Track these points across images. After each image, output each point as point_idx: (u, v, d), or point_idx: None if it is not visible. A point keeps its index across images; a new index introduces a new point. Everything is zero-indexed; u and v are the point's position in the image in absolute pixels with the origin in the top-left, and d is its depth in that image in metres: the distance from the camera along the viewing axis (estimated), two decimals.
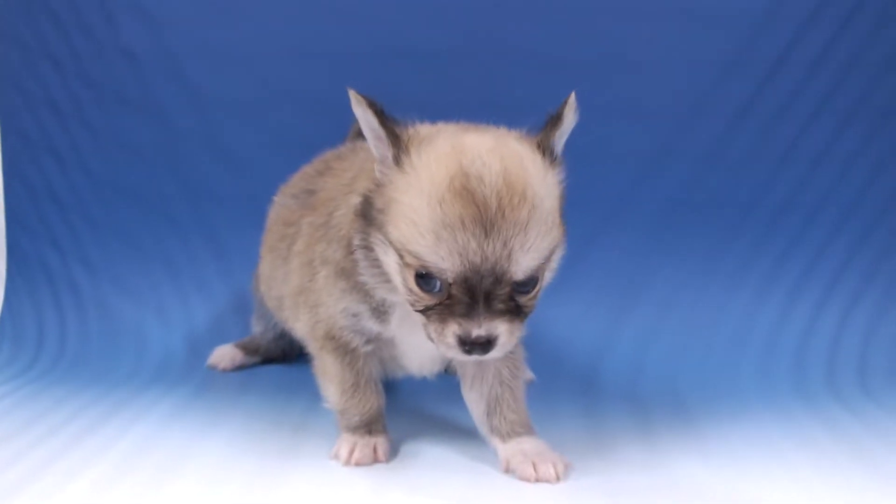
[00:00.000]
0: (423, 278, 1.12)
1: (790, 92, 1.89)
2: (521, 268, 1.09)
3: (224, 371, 1.78)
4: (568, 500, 1.16)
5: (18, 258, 2.01)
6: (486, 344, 1.11)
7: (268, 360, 1.84)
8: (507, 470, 1.25)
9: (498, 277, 1.09)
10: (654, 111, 1.91)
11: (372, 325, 1.29)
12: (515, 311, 1.12)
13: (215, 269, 1.95)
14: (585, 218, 1.87)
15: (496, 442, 1.29)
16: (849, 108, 1.89)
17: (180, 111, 1.97)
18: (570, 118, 1.16)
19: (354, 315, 1.29)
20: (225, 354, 1.81)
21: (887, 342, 1.81)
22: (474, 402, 1.32)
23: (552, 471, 1.22)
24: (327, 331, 1.32)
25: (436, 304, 1.12)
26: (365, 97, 1.16)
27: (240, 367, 1.80)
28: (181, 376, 1.74)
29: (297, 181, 1.57)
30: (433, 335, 1.14)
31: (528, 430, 1.29)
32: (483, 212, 1.07)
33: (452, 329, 1.11)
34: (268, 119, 1.95)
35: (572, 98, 1.16)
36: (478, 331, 1.10)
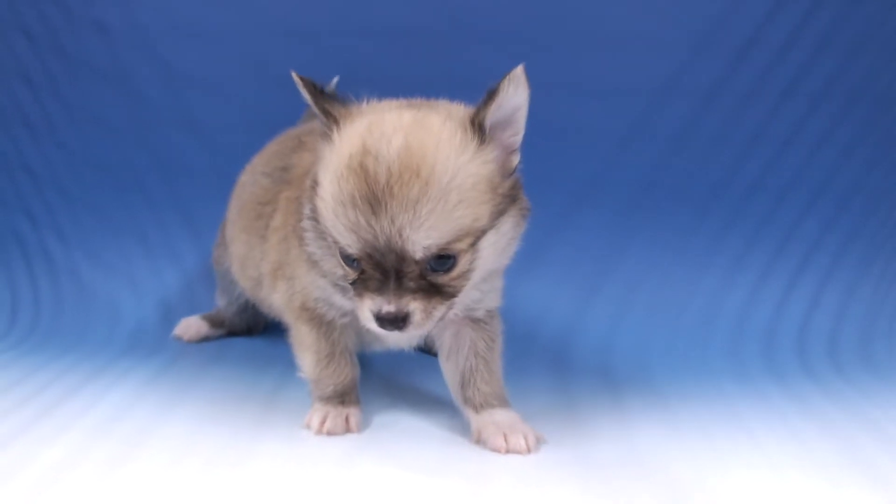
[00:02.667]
0: (342, 252, 1.14)
1: (760, 73, 1.90)
2: (416, 246, 1.09)
3: (189, 342, 1.78)
4: (538, 472, 1.17)
5: None
6: (398, 320, 1.12)
7: (232, 332, 1.85)
8: (479, 441, 1.26)
9: (398, 255, 1.09)
10: (625, 91, 1.91)
11: (341, 301, 1.30)
12: (431, 290, 1.13)
13: (187, 241, 1.95)
14: (556, 197, 1.89)
15: (469, 413, 1.29)
16: (819, 89, 1.89)
17: (153, 85, 1.97)
18: (509, 91, 1.12)
19: (322, 288, 1.30)
20: (190, 325, 1.81)
21: (857, 321, 1.82)
22: (450, 373, 1.33)
23: (523, 442, 1.23)
24: (303, 302, 1.33)
25: (356, 279, 1.14)
26: (304, 78, 1.18)
27: (205, 339, 1.80)
28: (153, 347, 1.75)
29: (268, 159, 1.57)
30: (356, 308, 1.16)
31: (502, 402, 1.30)
32: (371, 188, 1.08)
33: (367, 303, 1.13)
34: (239, 94, 1.95)
35: (516, 71, 1.12)
36: (387, 307, 1.11)
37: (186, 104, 1.97)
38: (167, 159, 1.98)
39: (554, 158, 1.88)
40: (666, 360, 1.70)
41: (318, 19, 1.92)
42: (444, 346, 1.34)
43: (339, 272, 1.22)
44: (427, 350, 1.64)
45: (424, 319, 1.13)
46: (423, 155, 1.09)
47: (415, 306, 1.12)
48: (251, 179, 1.58)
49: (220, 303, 1.84)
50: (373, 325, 1.14)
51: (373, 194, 1.07)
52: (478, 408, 1.29)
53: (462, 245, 1.12)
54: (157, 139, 1.98)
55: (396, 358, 1.21)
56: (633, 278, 1.90)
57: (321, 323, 1.33)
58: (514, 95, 1.13)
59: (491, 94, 1.13)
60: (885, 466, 1.21)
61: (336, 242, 1.13)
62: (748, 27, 1.88)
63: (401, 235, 1.08)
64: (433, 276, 1.12)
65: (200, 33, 1.95)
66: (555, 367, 1.66)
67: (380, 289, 1.11)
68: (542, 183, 1.80)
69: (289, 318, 1.38)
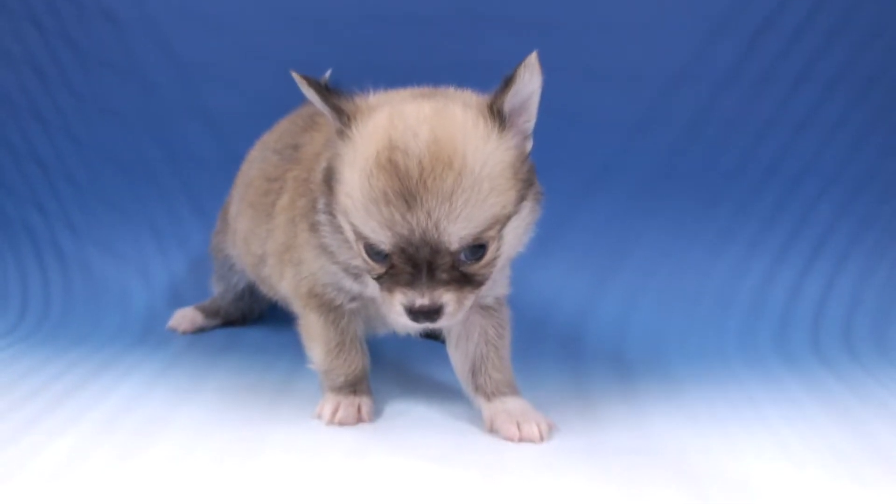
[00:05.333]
0: (370, 248, 1.13)
1: (774, 58, 1.89)
2: (453, 237, 1.09)
3: (184, 334, 1.77)
4: (551, 460, 1.16)
5: (2, 220, 2.00)
6: (431, 312, 1.12)
7: (228, 322, 1.84)
8: (491, 429, 1.26)
9: (434, 247, 1.09)
10: (640, 77, 1.90)
11: (351, 285, 1.29)
12: (463, 280, 1.13)
13: (198, 230, 1.94)
14: (570, 182, 1.88)
15: (480, 401, 1.29)
16: (833, 75, 1.88)
17: (163, 75, 1.97)
18: (525, 78, 1.13)
19: (333, 273, 1.29)
20: (185, 317, 1.80)
21: (872, 306, 1.81)
22: (459, 361, 1.33)
23: (536, 430, 1.22)
24: (311, 288, 1.32)
25: (384, 273, 1.14)
26: (306, 77, 1.17)
27: (200, 330, 1.80)
28: (165, 337, 1.75)
29: (279, 136, 1.56)
30: (384, 303, 1.15)
31: (513, 390, 1.30)
32: (405, 184, 1.07)
33: (398, 298, 1.12)
34: (249, 82, 1.94)
35: (531, 58, 1.12)
36: (421, 300, 1.11)
37: (197, 94, 1.97)
38: (178, 149, 1.98)
39: (568, 144, 1.87)
40: (679, 346, 1.70)
41: (326, 7, 1.92)
42: (452, 334, 1.33)
43: (358, 263, 1.22)
44: (433, 336, 1.63)
45: (457, 310, 1.13)
46: (452, 146, 1.09)
47: (448, 297, 1.12)
48: (260, 155, 1.58)
49: (216, 291, 1.83)
50: (403, 319, 1.14)
51: (406, 189, 1.07)
52: (489, 396, 1.28)
53: (493, 233, 1.12)
54: (168, 129, 1.98)
55: (405, 346, 1.21)
56: (646, 264, 1.89)
57: (329, 310, 1.32)
58: (530, 82, 1.14)
59: (508, 81, 1.13)
60: None
61: (364, 239, 1.13)
62: (762, 12, 1.87)
63: (437, 228, 1.08)
64: (465, 266, 1.12)
65: (211, 23, 1.95)
66: (567, 354, 1.66)
67: (411, 282, 1.11)
68: (556, 168, 1.81)
69: (297, 306, 1.38)
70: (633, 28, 1.89)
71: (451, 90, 1.22)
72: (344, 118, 1.16)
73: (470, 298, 1.15)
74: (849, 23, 1.86)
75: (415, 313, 1.12)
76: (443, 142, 1.08)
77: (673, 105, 1.90)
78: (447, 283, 1.11)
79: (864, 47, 1.88)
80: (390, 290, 1.13)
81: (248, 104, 1.93)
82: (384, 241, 1.10)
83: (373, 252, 1.13)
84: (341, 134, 1.16)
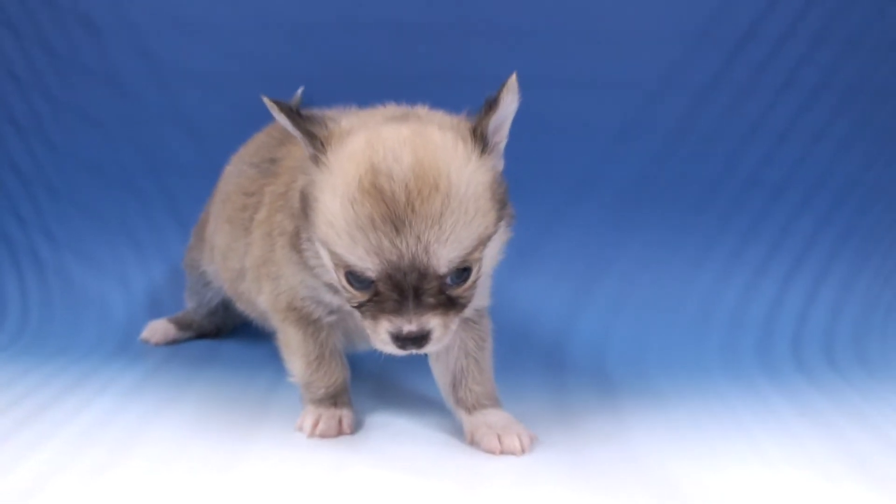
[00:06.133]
0: (352, 276, 1.12)
1: (757, 67, 1.89)
2: (442, 261, 1.08)
3: (157, 345, 1.76)
4: (532, 473, 1.16)
5: None
6: (419, 339, 1.11)
7: (201, 335, 1.83)
8: (472, 442, 1.25)
9: (421, 272, 1.08)
10: (621, 86, 1.90)
11: (331, 298, 1.28)
12: (448, 304, 1.12)
13: (178, 239, 1.91)
14: (552, 192, 1.88)
15: (462, 414, 1.28)
16: (816, 84, 1.88)
17: (141, 82, 1.95)
18: (507, 101, 1.14)
19: (313, 287, 1.29)
20: (157, 329, 1.79)
21: (853, 317, 1.82)
22: (440, 374, 1.32)
23: (517, 443, 1.22)
24: (289, 302, 1.32)
25: (367, 301, 1.12)
26: (277, 102, 1.15)
27: (172, 342, 1.78)
28: (144, 348, 1.74)
29: (255, 149, 1.55)
30: (368, 331, 1.14)
31: (494, 403, 1.29)
32: (392, 208, 1.06)
33: (384, 326, 1.11)
34: (230, 90, 1.93)
35: (512, 80, 1.13)
36: (409, 327, 1.10)
37: (176, 101, 1.96)
38: (157, 157, 1.97)
39: (549, 154, 1.87)
40: (661, 357, 1.70)
41: (309, 14, 1.91)
42: None
43: (343, 293, 1.20)
44: None
45: (443, 335, 1.13)
46: (436, 168, 1.08)
47: (435, 322, 1.11)
48: (237, 170, 1.56)
49: (189, 305, 1.82)
50: (390, 348, 1.13)
51: (394, 214, 1.06)
52: (470, 409, 1.28)
53: (477, 254, 1.12)
54: (147, 136, 1.97)
55: (386, 357, 1.21)
56: (628, 275, 1.89)
57: (308, 323, 1.32)
58: (510, 104, 1.15)
59: (492, 105, 1.14)
60: (879, 463, 1.21)
61: (348, 267, 1.11)
62: (744, 21, 1.87)
63: (427, 252, 1.07)
64: (450, 289, 1.12)
65: (190, 29, 1.93)
66: (549, 365, 1.66)
67: (397, 309, 1.10)
68: (537, 178, 1.81)
69: (275, 320, 1.37)
70: (615, 36, 1.89)
71: (424, 111, 1.22)
72: (318, 143, 1.14)
73: (455, 322, 1.14)
74: (832, 32, 1.86)
75: (402, 340, 1.10)
76: (426, 165, 1.08)
77: (655, 115, 1.90)
78: (434, 308, 1.10)
79: (846, 56, 1.88)
80: (375, 318, 1.12)
81: (229, 111, 1.91)
82: (371, 268, 1.09)
83: (355, 280, 1.12)
84: (316, 160, 1.14)
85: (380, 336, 1.12)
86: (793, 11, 1.86)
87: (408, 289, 1.09)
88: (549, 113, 1.84)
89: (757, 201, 1.89)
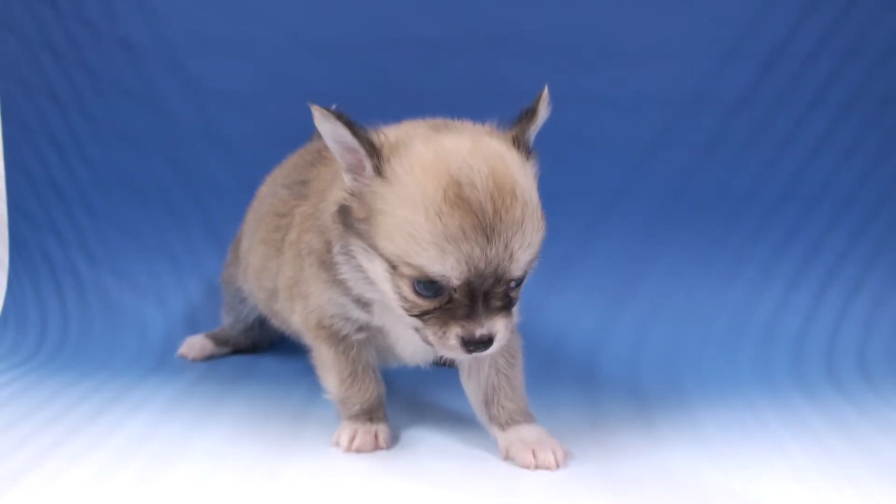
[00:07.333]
0: (423, 285, 1.12)
1: (788, 81, 1.89)
2: (520, 265, 1.11)
3: (194, 361, 1.78)
4: (567, 487, 1.16)
5: (20, 247, 2.01)
6: (488, 341, 1.13)
7: (238, 350, 1.85)
8: (507, 457, 1.26)
9: (498, 278, 1.10)
10: (653, 100, 1.90)
11: (358, 314, 1.30)
12: (509, 306, 1.14)
13: (214, 256, 1.93)
14: (584, 207, 1.89)
15: (495, 430, 1.29)
16: (847, 97, 1.88)
17: (179, 102, 1.98)
18: (543, 112, 1.18)
19: (341, 304, 1.30)
20: (195, 344, 1.81)
21: (887, 331, 1.81)
22: (472, 392, 1.33)
23: (552, 458, 1.22)
24: (319, 320, 1.33)
25: (434, 309, 1.13)
26: (330, 111, 1.15)
27: (209, 357, 1.80)
28: (181, 364, 1.76)
29: (288, 171, 1.56)
30: (432, 338, 1.15)
31: (527, 418, 1.30)
32: (482, 219, 1.08)
33: (455, 331, 1.12)
34: (266, 110, 1.95)
35: (545, 92, 1.17)
36: (480, 330, 1.12)
37: (213, 120, 1.98)
38: (194, 176, 1.99)
39: (581, 169, 1.88)
40: (694, 372, 1.69)
41: (341, 33, 1.92)
42: (463, 364, 1.33)
43: (372, 296, 1.23)
44: (445, 364, 1.62)
45: (506, 336, 1.15)
46: (511, 177, 1.10)
47: (500, 324, 1.13)
48: (270, 191, 1.58)
49: (226, 321, 1.84)
50: (456, 352, 1.14)
51: (486, 223, 1.08)
52: (503, 425, 1.28)
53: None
54: (184, 156, 1.99)
55: (419, 373, 1.21)
56: (660, 289, 1.89)
57: (338, 340, 1.33)
58: (544, 115, 1.18)
59: (531, 114, 1.17)
60: None
61: (423, 277, 1.11)
62: (776, 36, 1.88)
63: (511, 258, 1.10)
64: (512, 291, 1.15)
65: (226, 49, 1.95)
66: (582, 380, 1.66)
67: (469, 315, 1.12)
68: (569, 194, 1.81)
69: (308, 338, 1.38)
70: (647, 52, 1.90)
71: (453, 122, 1.22)
72: (380, 154, 1.14)
73: (512, 322, 1.16)
74: (862, 46, 1.86)
75: (473, 344, 1.12)
76: (501, 174, 1.10)
77: (686, 130, 1.91)
78: (500, 311, 1.13)
79: (877, 71, 1.88)
80: (444, 324, 1.13)
81: (264, 130, 1.93)
82: (459, 276, 1.09)
83: (426, 289, 1.12)
84: (378, 171, 1.13)
85: (448, 342, 1.13)
86: (823, 26, 1.86)
87: (479, 294, 1.11)
88: (581, 128, 1.85)
89: (789, 215, 1.89)
